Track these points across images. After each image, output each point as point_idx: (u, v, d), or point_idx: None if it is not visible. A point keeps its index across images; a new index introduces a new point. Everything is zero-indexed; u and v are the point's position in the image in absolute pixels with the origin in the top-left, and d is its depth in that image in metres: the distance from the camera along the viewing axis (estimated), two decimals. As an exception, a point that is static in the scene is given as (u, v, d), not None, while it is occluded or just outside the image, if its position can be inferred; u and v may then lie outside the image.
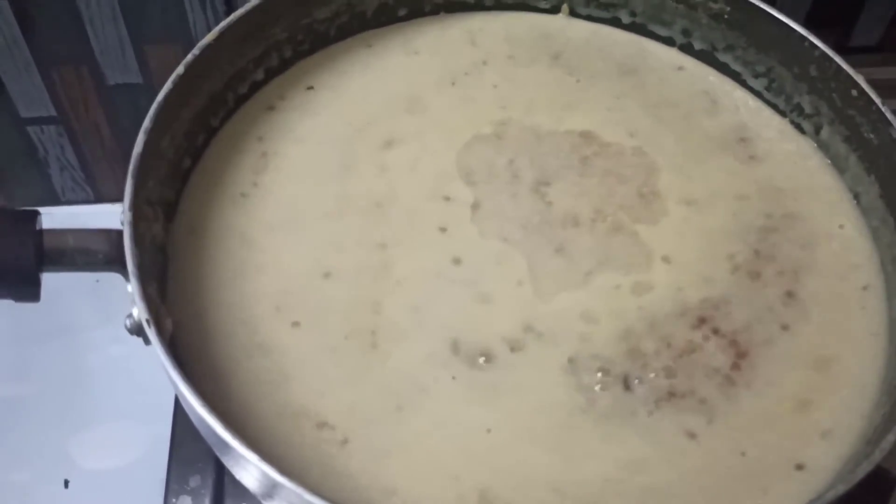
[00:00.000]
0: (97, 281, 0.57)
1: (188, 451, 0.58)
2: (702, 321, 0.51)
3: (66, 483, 0.74)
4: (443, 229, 0.54)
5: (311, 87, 0.61)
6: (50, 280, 0.84)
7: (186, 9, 0.76)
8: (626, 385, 0.49)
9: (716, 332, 0.51)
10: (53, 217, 0.92)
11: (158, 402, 0.65)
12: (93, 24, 0.77)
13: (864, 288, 0.54)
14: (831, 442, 0.48)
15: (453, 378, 0.49)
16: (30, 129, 0.84)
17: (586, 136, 0.59)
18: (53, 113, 0.84)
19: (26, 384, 0.78)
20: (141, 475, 0.70)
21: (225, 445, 0.41)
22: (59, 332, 0.80)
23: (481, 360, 0.49)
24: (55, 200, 0.94)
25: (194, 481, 0.57)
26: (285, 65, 0.62)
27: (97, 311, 0.79)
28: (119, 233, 0.47)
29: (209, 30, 0.55)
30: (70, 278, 0.52)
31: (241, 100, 0.60)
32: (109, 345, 0.77)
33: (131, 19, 0.76)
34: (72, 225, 0.95)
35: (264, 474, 0.40)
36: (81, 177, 0.91)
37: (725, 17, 0.61)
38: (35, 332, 0.79)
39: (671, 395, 0.49)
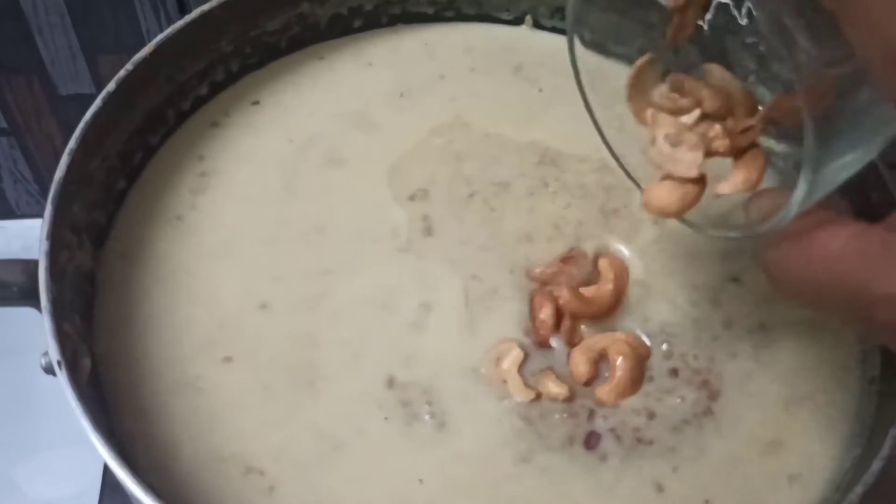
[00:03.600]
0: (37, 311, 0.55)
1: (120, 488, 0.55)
2: (669, 356, 0.48)
3: (12, 512, 0.71)
4: (386, 255, 0.51)
5: (256, 102, 0.57)
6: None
7: (139, 16, 0.73)
8: (586, 435, 0.46)
9: (685, 370, 0.48)
10: (9, 231, 0.90)
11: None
12: (42, 34, 0.74)
13: (838, 319, 0.51)
14: (800, 487, 0.45)
15: (385, 419, 0.45)
16: (-20, 141, 0.82)
17: (548, 150, 0.56)
18: (4, 125, 0.81)
19: (-30, 410, 0.75)
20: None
21: (138, 500, 0.38)
22: (5, 353, 0.77)
23: (417, 400, 0.46)
24: (10, 214, 0.91)
25: (126, 524, 0.54)
26: (232, 79, 0.58)
27: (41, 331, 0.76)
28: (38, 263, 0.43)
29: (164, 38, 0.52)
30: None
31: (183, 116, 0.56)
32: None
33: (82, 28, 0.74)
34: (28, 239, 0.92)
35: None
36: (36, 189, 0.89)
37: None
38: (-22, 355, 0.76)
39: (638, 441, 0.46)
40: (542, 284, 0.50)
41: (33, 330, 0.76)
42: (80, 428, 0.62)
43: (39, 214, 0.88)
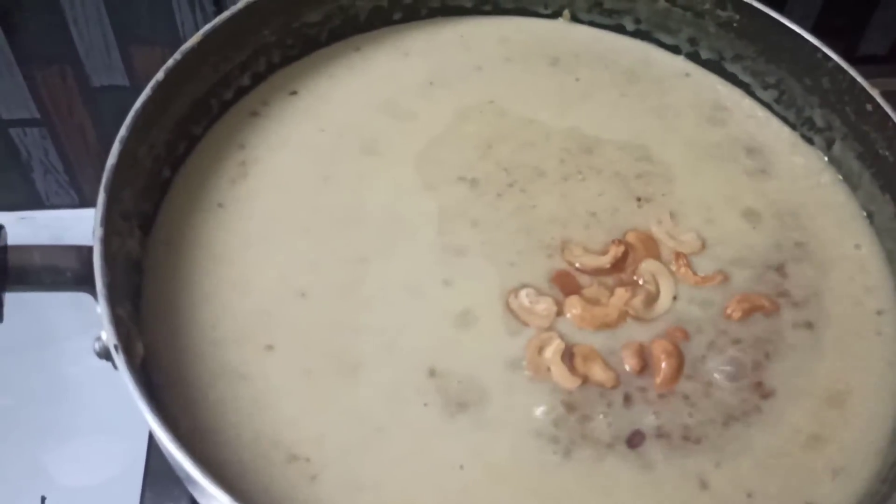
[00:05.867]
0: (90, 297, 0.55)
1: (163, 476, 0.55)
2: (714, 351, 0.49)
3: (43, 500, 0.71)
4: (421, 242, 0.51)
5: (294, 92, 0.58)
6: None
7: (174, 9, 0.73)
8: (630, 433, 0.46)
9: (734, 369, 0.48)
10: (37, 222, 0.90)
11: (139, 416, 0.63)
12: (77, 24, 0.74)
13: (879, 313, 0.51)
14: (844, 480, 0.45)
15: (425, 405, 0.46)
16: (12, 131, 0.82)
17: (586, 137, 0.57)
18: (37, 115, 0.81)
19: (3, 397, 0.75)
20: (120, 492, 0.67)
21: (194, 482, 0.38)
22: (37, 343, 0.77)
23: (457, 387, 0.47)
24: (39, 205, 0.91)
25: (169, 510, 0.54)
26: (273, 69, 0.59)
27: (77, 321, 0.76)
28: (90, 249, 0.44)
29: (197, 30, 0.53)
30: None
31: (226, 106, 0.57)
32: (90, 356, 0.75)
33: (117, 19, 0.74)
34: (57, 230, 0.92)
35: (235, 513, 0.37)
36: (66, 180, 0.89)
37: (734, 25, 0.58)
38: (12, 343, 0.76)
39: (685, 439, 0.46)
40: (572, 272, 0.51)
41: (65, 318, 0.77)
42: (117, 411, 0.62)
43: (68, 205, 0.90)
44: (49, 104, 0.80)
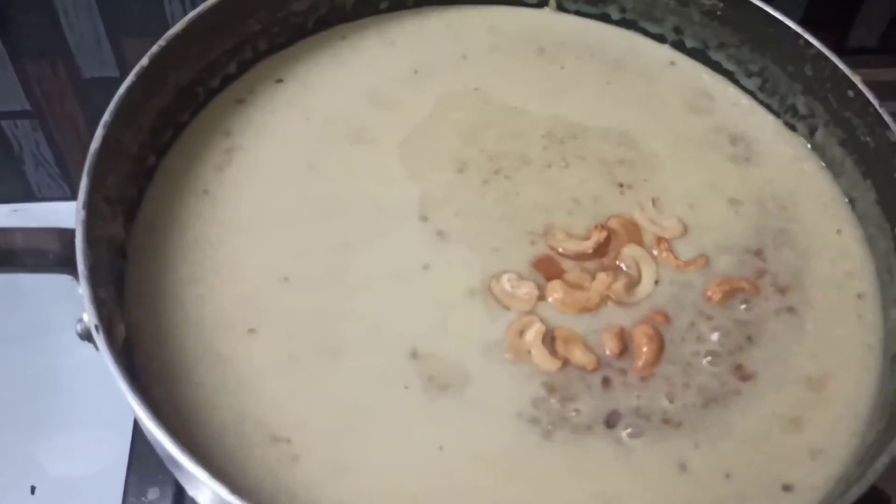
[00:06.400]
0: (72, 279, 0.55)
1: (148, 462, 0.56)
2: (697, 340, 0.49)
3: (33, 489, 0.71)
4: (405, 229, 0.52)
5: (280, 80, 0.58)
6: (20, 278, 0.82)
7: (164, 0, 0.74)
8: (608, 414, 0.46)
9: (715, 352, 0.49)
10: (30, 214, 0.90)
11: (127, 406, 0.63)
12: (67, 16, 0.75)
13: (859, 296, 0.51)
14: (822, 461, 0.45)
15: (406, 388, 0.46)
16: (3, 123, 0.82)
17: (570, 125, 0.57)
18: (28, 107, 0.82)
19: (-6, 387, 0.75)
20: (110, 483, 0.68)
21: (175, 461, 0.38)
22: (28, 333, 0.77)
23: (437, 370, 0.47)
24: (31, 197, 0.91)
25: (153, 493, 0.54)
26: (259, 57, 0.59)
27: (66, 313, 0.77)
28: (72, 232, 0.44)
29: (187, 21, 0.53)
30: (41, 276, 0.49)
31: (212, 93, 0.57)
32: (79, 347, 0.75)
33: (107, 11, 0.74)
34: (49, 222, 0.93)
35: (215, 493, 0.38)
36: (57, 173, 0.89)
37: (718, 14, 0.59)
38: (1, 334, 0.76)
39: (665, 423, 0.46)
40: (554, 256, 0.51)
41: (56, 309, 0.77)
42: (107, 402, 0.62)
43: (60, 198, 0.90)
44: (40, 96, 0.81)
